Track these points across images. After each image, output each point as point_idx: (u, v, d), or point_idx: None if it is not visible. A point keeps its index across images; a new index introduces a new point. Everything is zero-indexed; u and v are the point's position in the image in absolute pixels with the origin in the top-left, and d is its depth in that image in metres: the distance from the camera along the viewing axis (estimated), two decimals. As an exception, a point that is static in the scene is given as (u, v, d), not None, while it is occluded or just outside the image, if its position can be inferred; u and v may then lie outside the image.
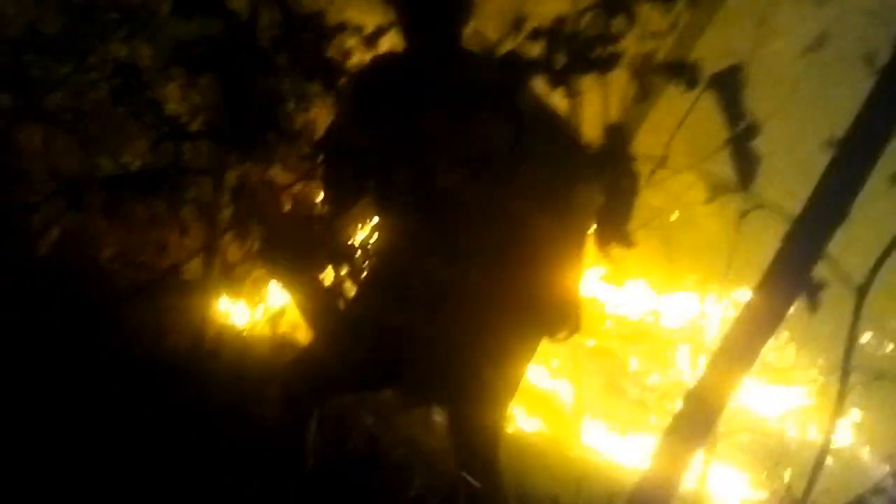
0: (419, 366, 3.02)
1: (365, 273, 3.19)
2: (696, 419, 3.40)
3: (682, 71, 2.87)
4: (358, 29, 3.45)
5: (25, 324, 3.75)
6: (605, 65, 2.72)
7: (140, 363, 3.86)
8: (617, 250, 2.99)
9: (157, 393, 3.73)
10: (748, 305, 3.29)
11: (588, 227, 2.98)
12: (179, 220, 3.73)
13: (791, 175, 5.08)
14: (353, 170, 3.10)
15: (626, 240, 2.88)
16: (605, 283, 7.09)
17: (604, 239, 2.90)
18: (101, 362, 3.73)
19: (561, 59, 2.79)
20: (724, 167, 3.37)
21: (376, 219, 3.23)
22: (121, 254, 4.59)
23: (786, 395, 8.17)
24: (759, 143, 3.25)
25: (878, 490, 3.72)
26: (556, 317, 3.04)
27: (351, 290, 3.25)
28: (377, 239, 3.19)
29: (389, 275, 3.10)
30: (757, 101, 3.05)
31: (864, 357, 3.93)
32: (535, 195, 2.91)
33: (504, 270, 2.93)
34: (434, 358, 2.99)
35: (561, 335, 3.10)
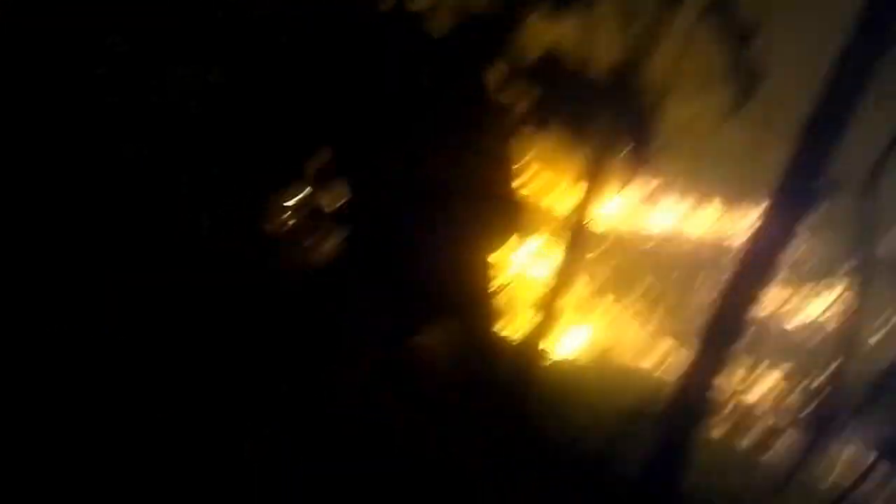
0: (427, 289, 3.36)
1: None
2: (725, 327, 3.62)
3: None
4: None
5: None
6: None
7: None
8: (638, 167, 3.24)
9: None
10: (771, 204, 3.46)
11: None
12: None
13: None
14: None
15: (642, 158, 3.11)
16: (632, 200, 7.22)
17: (626, 159, 3.11)
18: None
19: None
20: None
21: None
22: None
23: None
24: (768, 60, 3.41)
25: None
26: (507, 218, 3.35)
27: None
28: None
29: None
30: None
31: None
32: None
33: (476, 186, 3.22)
34: (430, 287, 3.34)
35: (513, 234, 3.44)
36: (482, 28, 3.05)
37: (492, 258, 3.60)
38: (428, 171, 3.17)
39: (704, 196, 8.08)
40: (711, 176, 7.68)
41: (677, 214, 8.13)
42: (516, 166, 3.41)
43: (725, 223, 7.64)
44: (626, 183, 4.38)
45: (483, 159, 3.20)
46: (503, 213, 3.44)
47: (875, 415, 4.05)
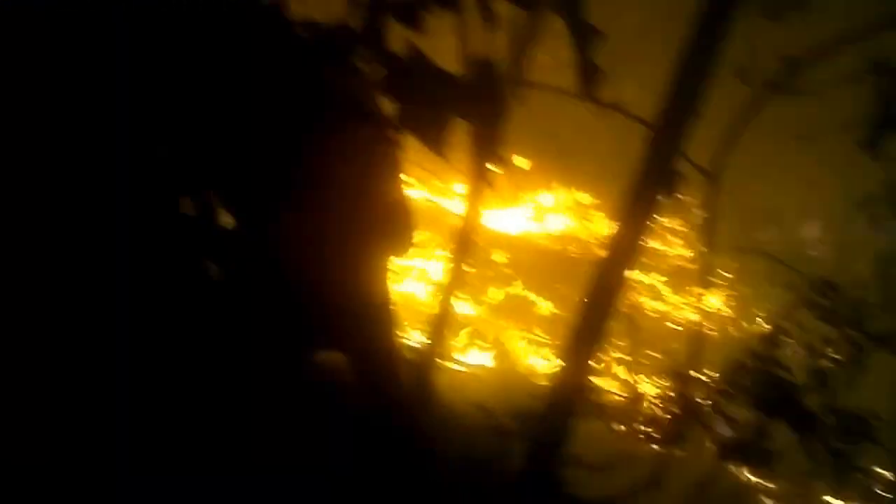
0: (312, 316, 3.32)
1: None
2: (590, 323, 3.70)
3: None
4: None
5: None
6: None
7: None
8: (496, 173, 3.26)
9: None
10: (626, 202, 3.60)
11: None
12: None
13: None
14: None
15: (499, 160, 3.14)
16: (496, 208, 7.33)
17: (480, 161, 3.13)
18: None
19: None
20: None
21: None
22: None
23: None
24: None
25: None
26: (395, 232, 3.37)
27: None
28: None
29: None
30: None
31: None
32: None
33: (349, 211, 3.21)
34: (323, 306, 3.29)
35: (403, 248, 3.46)
36: (341, 34, 3.02)
37: (381, 270, 3.58)
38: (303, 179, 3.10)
39: (577, 197, 8.37)
40: (581, 177, 7.98)
41: (549, 215, 8.37)
42: (393, 174, 3.37)
43: (600, 221, 7.93)
44: (500, 188, 4.41)
45: (356, 168, 3.16)
46: (388, 224, 3.41)
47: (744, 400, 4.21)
